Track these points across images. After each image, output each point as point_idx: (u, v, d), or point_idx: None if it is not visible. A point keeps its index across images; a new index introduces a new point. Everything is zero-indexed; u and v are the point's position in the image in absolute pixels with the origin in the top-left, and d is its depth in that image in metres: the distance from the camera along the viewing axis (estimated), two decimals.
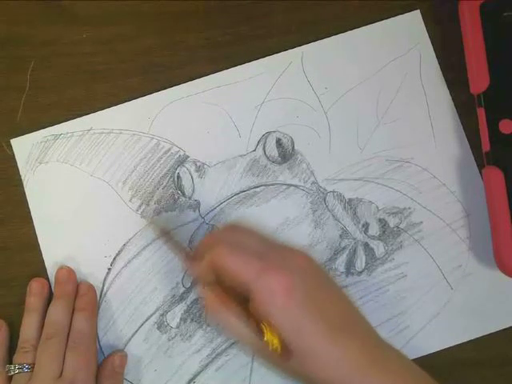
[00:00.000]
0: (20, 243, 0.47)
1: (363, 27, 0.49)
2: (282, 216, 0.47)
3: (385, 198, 0.47)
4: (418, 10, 0.49)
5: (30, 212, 0.47)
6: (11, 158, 0.47)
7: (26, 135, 0.48)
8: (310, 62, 0.48)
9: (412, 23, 0.49)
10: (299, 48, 0.48)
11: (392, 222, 0.47)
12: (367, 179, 0.47)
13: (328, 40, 0.48)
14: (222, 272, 0.37)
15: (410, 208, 0.47)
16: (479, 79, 0.45)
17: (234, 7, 0.49)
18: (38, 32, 0.49)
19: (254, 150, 0.47)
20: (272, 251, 0.37)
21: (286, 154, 0.47)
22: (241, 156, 0.47)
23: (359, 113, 0.48)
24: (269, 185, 0.47)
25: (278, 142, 0.47)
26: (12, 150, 0.47)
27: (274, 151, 0.47)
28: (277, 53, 0.48)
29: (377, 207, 0.47)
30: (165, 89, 0.48)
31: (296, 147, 0.47)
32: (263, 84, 0.48)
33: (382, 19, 0.49)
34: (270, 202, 0.47)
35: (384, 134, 0.48)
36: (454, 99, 0.48)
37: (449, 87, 0.48)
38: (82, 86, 0.48)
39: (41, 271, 0.46)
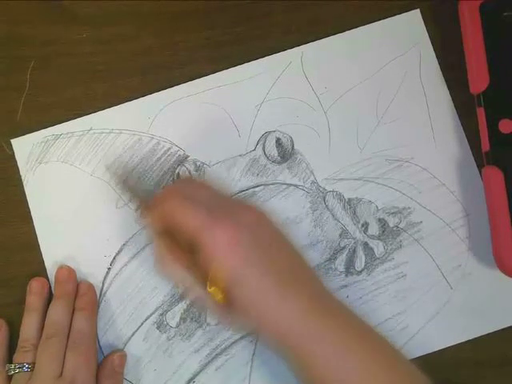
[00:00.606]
0: (20, 243, 0.47)
1: (363, 27, 0.49)
2: (282, 215, 0.47)
3: (384, 197, 0.47)
4: (418, 10, 0.49)
5: (29, 212, 0.47)
6: (11, 158, 0.47)
7: (27, 135, 0.48)
8: (310, 61, 0.48)
9: (412, 22, 0.49)
10: (299, 48, 0.48)
11: (391, 221, 0.47)
12: (367, 179, 0.47)
13: (327, 40, 0.48)
14: (172, 223, 0.37)
15: (409, 208, 0.47)
16: (479, 79, 0.45)
17: (234, 7, 0.49)
18: (37, 32, 0.49)
19: (254, 150, 0.47)
20: (222, 205, 0.38)
21: (285, 153, 0.47)
22: (240, 156, 0.47)
23: (359, 112, 0.48)
24: (268, 184, 0.47)
25: (278, 142, 0.47)
26: (12, 149, 0.47)
27: (273, 151, 0.47)
28: (277, 53, 0.48)
29: (376, 207, 0.47)
30: (165, 89, 0.48)
31: (296, 147, 0.48)
32: (263, 84, 0.48)
33: (382, 19, 0.49)
34: (270, 202, 0.47)
35: (384, 134, 0.48)
36: (453, 99, 0.48)
37: (449, 87, 0.48)
38: (82, 85, 0.48)
39: (41, 271, 0.46)
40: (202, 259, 0.36)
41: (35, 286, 0.45)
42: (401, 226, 0.47)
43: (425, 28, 0.49)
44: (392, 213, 0.47)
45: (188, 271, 0.38)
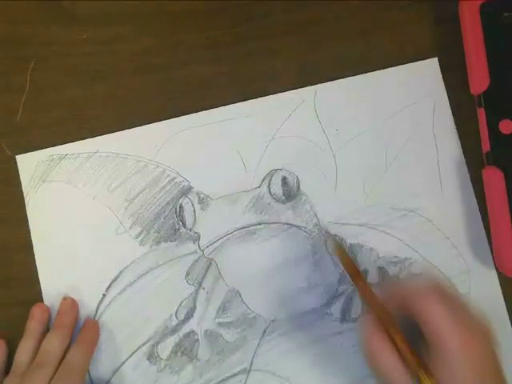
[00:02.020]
0: (20, 243, 0.47)
1: (379, 71, 0.48)
2: (282, 256, 0.46)
3: (386, 246, 0.46)
4: (436, 58, 0.48)
5: None
6: (11, 158, 0.47)
7: (32, 152, 0.47)
8: (323, 101, 0.48)
9: (429, 71, 0.48)
10: (313, 86, 0.48)
11: (391, 270, 0.46)
12: (370, 225, 0.47)
13: (342, 81, 0.48)
14: (422, 316, 0.35)
15: (410, 258, 0.46)
16: (479, 79, 0.45)
17: (234, 7, 0.49)
18: (38, 32, 0.49)
19: (259, 187, 0.47)
20: (476, 324, 0.36)
21: (290, 193, 0.47)
22: (245, 191, 0.47)
23: (368, 157, 0.47)
24: (271, 223, 0.47)
25: (284, 181, 0.47)
26: (12, 149, 0.47)
27: (278, 189, 0.47)
28: (276, 52, 0.48)
29: (377, 255, 0.46)
30: (165, 89, 0.48)
31: (301, 187, 0.47)
32: (273, 120, 0.48)
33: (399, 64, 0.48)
34: (271, 241, 0.47)
35: (391, 182, 0.47)
36: (453, 99, 0.48)
37: (449, 88, 0.48)
38: (82, 86, 0.48)
39: None
40: (437, 368, 0.34)
41: (36, 312, 0.45)
42: (400, 276, 0.46)
43: (441, 77, 0.48)
44: (393, 262, 0.46)
45: (403, 363, 0.35)
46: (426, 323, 0.35)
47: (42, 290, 0.46)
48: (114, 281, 0.46)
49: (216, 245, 0.47)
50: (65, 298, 0.45)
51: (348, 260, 0.42)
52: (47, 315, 0.45)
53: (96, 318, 0.46)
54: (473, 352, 0.34)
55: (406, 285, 0.39)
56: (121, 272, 0.46)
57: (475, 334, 0.35)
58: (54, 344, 0.43)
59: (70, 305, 0.45)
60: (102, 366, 0.46)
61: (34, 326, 0.44)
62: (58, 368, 0.42)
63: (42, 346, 0.43)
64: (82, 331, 0.45)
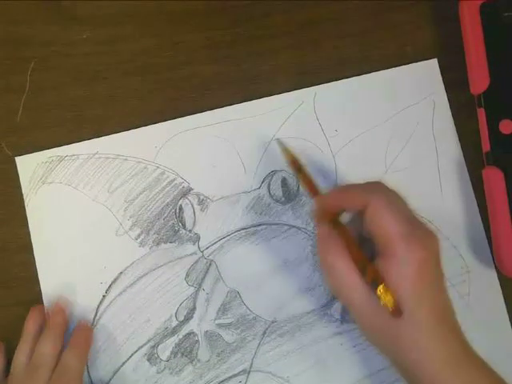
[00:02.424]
0: (20, 244, 0.47)
1: (379, 72, 0.48)
2: (282, 257, 0.46)
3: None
4: (436, 59, 0.48)
5: None
6: (11, 159, 0.47)
7: (31, 154, 0.47)
8: (323, 102, 0.48)
9: (428, 72, 0.48)
10: (312, 88, 0.48)
11: None
12: None
13: (342, 82, 0.48)
14: (370, 217, 0.37)
15: None
16: (479, 79, 0.45)
17: (234, 7, 0.49)
18: (38, 32, 0.49)
19: (259, 188, 0.47)
20: (418, 223, 0.37)
21: (290, 194, 0.47)
22: (245, 193, 0.47)
23: (367, 159, 0.47)
24: (271, 224, 0.47)
25: (284, 182, 0.47)
26: (12, 150, 0.47)
27: (278, 191, 0.47)
28: (276, 52, 0.48)
29: None
30: (165, 89, 0.48)
31: (301, 188, 0.47)
32: (273, 121, 0.48)
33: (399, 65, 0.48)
34: (271, 242, 0.47)
35: (391, 182, 0.46)
36: (453, 99, 0.48)
37: (449, 87, 0.48)
38: (82, 86, 0.48)
39: None
40: (385, 264, 0.36)
41: (32, 314, 0.45)
42: None
43: (441, 78, 0.48)
44: None
45: (356, 267, 0.37)
46: (376, 226, 0.36)
47: (42, 290, 0.46)
48: (113, 282, 0.46)
49: (216, 246, 0.47)
50: (57, 299, 0.46)
51: (303, 173, 0.43)
52: (44, 317, 0.45)
53: (96, 319, 0.46)
54: (415, 247, 0.35)
55: (356, 188, 0.40)
56: (121, 273, 0.46)
57: (416, 231, 0.36)
58: (48, 345, 0.43)
59: (62, 305, 0.45)
60: (101, 366, 0.46)
61: (30, 327, 0.45)
62: (54, 368, 0.43)
63: (37, 348, 0.44)
64: (74, 334, 0.45)
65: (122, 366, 0.46)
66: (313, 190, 0.42)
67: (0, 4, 0.49)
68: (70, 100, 0.48)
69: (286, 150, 0.44)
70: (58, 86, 0.48)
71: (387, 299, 0.35)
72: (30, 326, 0.45)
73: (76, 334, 0.45)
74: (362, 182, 0.46)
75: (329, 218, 0.39)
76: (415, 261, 0.35)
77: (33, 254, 0.46)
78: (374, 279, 0.36)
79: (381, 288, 0.35)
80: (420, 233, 0.36)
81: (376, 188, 0.38)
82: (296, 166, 0.43)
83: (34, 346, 0.44)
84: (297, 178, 0.43)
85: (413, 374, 0.36)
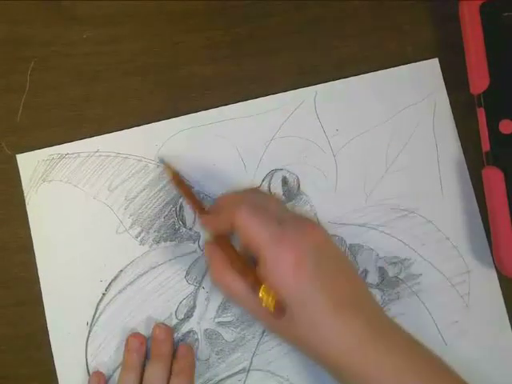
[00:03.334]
0: (20, 244, 0.47)
1: (379, 71, 0.48)
2: None
3: (386, 246, 0.46)
4: (437, 59, 0.48)
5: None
6: (11, 158, 0.47)
7: (32, 152, 0.47)
8: (323, 102, 0.48)
9: (429, 71, 0.48)
10: (313, 87, 0.48)
11: (391, 271, 0.46)
12: (370, 226, 0.47)
13: (342, 81, 0.48)
14: (239, 230, 0.38)
15: (410, 259, 0.46)
16: (479, 79, 0.45)
17: (234, 7, 0.49)
18: (37, 32, 0.49)
19: (259, 187, 0.47)
20: (289, 219, 0.38)
21: (290, 193, 0.47)
22: None
23: (368, 158, 0.47)
24: None
25: (284, 181, 0.47)
26: (12, 149, 0.47)
27: (278, 189, 0.47)
28: (276, 52, 0.48)
29: (377, 255, 0.46)
30: (165, 89, 0.48)
31: (301, 187, 0.47)
32: (273, 120, 0.48)
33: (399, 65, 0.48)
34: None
35: (391, 182, 0.47)
36: (453, 99, 0.48)
37: (448, 87, 0.48)
38: (82, 86, 0.48)
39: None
40: (262, 270, 0.37)
41: (133, 343, 0.44)
42: (400, 276, 0.46)
43: (442, 78, 0.48)
44: (392, 262, 0.46)
45: (240, 277, 0.38)
46: (245, 237, 0.38)
47: (42, 290, 0.46)
48: (113, 280, 0.46)
49: None
50: (158, 326, 0.45)
51: (184, 188, 0.44)
52: (145, 346, 0.45)
53: (96, 317, 0.46)
54: (285, 245, 0.36)
55: (223, 203, 0.42)
56: (121, 271, 0.46)
57: (286, 229, 0.37)
58: (157, 375, 0.43)
59: (166, 332, 0.45)
60: (101, 364, 0.46)
61: (133, 358, 0.44)
62: None
63: (146, 377, 0.43)
64: (177, 360, 0.44)
65: (121, 363, 0.45)
66: (195, 206, 0.44)
67: (0, 4, 0.49)
68: (70, 100, 0.48)
69: (167, 167, 0.45)
70: (58, 86, 0.48)
71: (268, 301, 0.36)
72: (133, 356, 0.44)
73: (181, 360, 0.44)
74: (361, 182, 0.47)
75: (215, 233, 0.41)
76: (289, 258, 0.36)
77: (33, 254, 0.46)
78: (253, 285, 0.37)
79: (261, 291, 0.36)
80: (291, 230, 0.37)
81: (240, 200, 0.40)
82: (176, 181, 0.45)
83: (138, 375, 0.43)
84: (179, 193, 0.46)
85: (320, 360, 0.37)
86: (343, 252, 0.44)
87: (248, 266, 0.38)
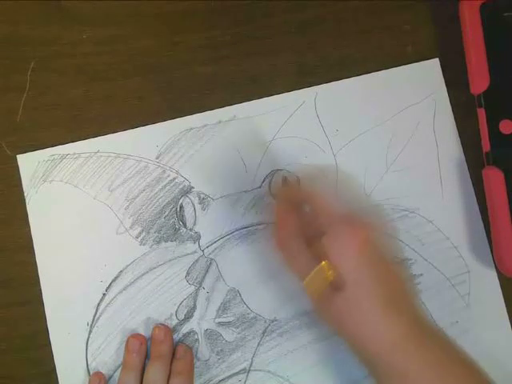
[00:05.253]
0: (20, 243, 0.47)
1: (379, 72, 0.48)
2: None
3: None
4: (437, 59, 0.48)
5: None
6: (11, 158, 0.47)
7: (33, 152, 0.47)
8: (324, 102, 0.48)
9: (430, 71, 0.48)
10: (314, 88, 0.48)
11: None
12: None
13: (343, 82, 0.48)
14: (314, 200, 0.40)
15: (411, 259, 0.46)
16: (479, 79, 0.45)
17: (234, 7, 0.49)
18: (37, 32, 0.49)
19: (260, 187, 0.47)
20: (356, 213, 0.41)
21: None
22: (245, 192, 0.47)
23: (368, 158, 0.47)
24: (271, 223, 0.47)
25: (285, 181, 0.47)
26: (12, 149, 0.47)
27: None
28: (276, 52, 0.48)
29: None
30: (165, 89, 0.48)
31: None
32: (274, 121, 0.48)
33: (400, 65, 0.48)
34: (271, 241, 0.46)
35: (391, 182, 0.47)
36: (453, 99, 0.48)
37: (449, 87, 0.48)
38: (82, 86, 0.48)
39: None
40: (327, 244, 0.38)
41: (133, 344, 0.45)
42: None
43: (442, 78, 0.48)
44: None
45: (306, 246, 0.39)
46: (317, 205, 0.40)
47: (42, 290, 0.46)
48: (114, 280, 0.46)
49: (216, 245, 0.47)
50: (157, 327, 0.45)
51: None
52: (144, 346, 0.45)
53: (96, 318, 0.46)
54: (354, 227, 0.38)
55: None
56: (121, 271, 0.46)
57: (356, 215, 0.40)
58: (157, 375, 0.43)
59: (165, 332, 0.45)
60: (102, 364, 0.46)
61: (134, 358, 0.44)
62: None
63: (146, 378, 0.43)
64: (175, 360, 0.44)
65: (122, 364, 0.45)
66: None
67: (0, 4, 0.49)
68: (70, 100, 0.48)
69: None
70: (58, 86, 0.48)
71: (329, 273, 0.37)
72: (133, 357, 0.44)
73: (180, 360, 0.44)
74: (361, 182, 0.47)
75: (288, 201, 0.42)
76: (356, 239, 0.37)
77: (33, 254, 0.46)
78: (318, 255, 0.37)
79: (324, 263, 0.37)
80: (359, 218, 0.40)
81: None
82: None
83: (138, 376, 0.44)
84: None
85: (357, 348, 0.38)
86: (389, 253, 0.43)
87: (314, 236, 0.39)
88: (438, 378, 0.36)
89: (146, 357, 0.45)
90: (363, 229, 0.39)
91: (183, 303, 0.46)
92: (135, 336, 0.45)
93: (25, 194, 0.47)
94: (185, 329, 0.46)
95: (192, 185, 0.47)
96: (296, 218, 0.40)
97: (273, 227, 0.44)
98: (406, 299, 0.39)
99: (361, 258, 0.37)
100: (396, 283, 0.39)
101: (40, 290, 0.46)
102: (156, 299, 0.46)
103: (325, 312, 0.40)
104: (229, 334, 0.46)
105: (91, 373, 0.45)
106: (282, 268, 0.46)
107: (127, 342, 0.45)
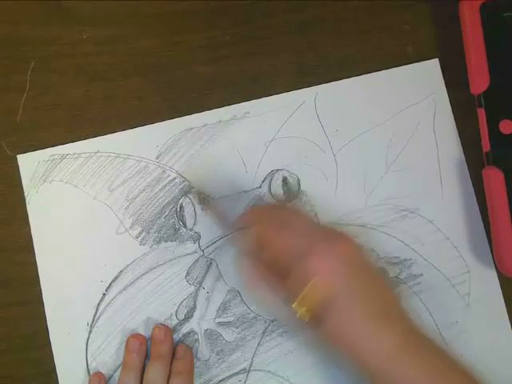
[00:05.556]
0: (20, 244, 0.47)
1: (379, 72, 0.48)
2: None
3: (387, 246, 0.46)
4: (437, 59, 0.48)
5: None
6: (11, 158, 0.47)
7: (33, 152, 0.47)
8: (324, 102, 0.48)
9: (430, 71, 0.48)
10: (314, 88, 0.48)
11: (392, 271, 0.46)
12: (371, 226, 0.47)
13: (343, 82, 0.48)
14: (267, 247, 0.38)
15: (411, 259, 0.46)
16: (479, 79, 0.46)
17: (234, 7, 0.49)
18: (37, 32, 0.49)
19: (260, 187, 0.47)
20: (318, 234, 0.39)
21: (291, 193, 0.47)
22: (245, 192, 0.47)
23: (368, 158, 0.47)
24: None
25: (284, 181, 0.47)
26: (12, 149, 0.47)
27: (279, 190, 0.47)
28: (276, 52, 0.48)
29: (378, 255, 0.46)
30: (165, 89, 0.48)
31: (302, 188, 0.47)
32: (274, 121, 0.48)
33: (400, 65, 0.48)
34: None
35: (391, 182, 0.47)
36: (453, 99, 0.48)
37: (449, 87, 0.48)
38: (82, 86, 0.48)
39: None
40: (294, 283, 0.37)
41: (133, 344, 0.45)
42: (401, 276, 0.46)
43: (442, 78, 0.48)
44: (393, 263, 0.46)
45: (274, 290, 0.39)
46: (271, 251, 0.38)
47: (42, 290, 0.46)
48: (114, 280, 0.46)
49: (216, 245, 0.47)
50: (157, 327, 0.45)
51: (216, 211, 0.45)
52: (144, 346, 0.45)
53: (96, 318, 0.46)
54: (316, 257, 0.37)
55: (248, 220, 0.42)
56: (121, 271, 0.46)
57: (316, 243, 0.37)
58: (157, 375, 0.43)
59: (165, 332, 0.45)
60: (102, 364, 0.46)
61: (134, 358, 0.44)
62: None
63: (146, 378, 0.43)
64: (175, 360, 0.44)
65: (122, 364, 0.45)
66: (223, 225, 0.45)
67: (0, 4, 0.49)
68: (70, 100, 0.48)
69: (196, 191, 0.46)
70: (58, 86, 0.48)
71: (302, 313, 0.36)
72: (133, 357, 0.44)
73: (180, 360, 0.44)
74: (361, 182, 0.47)
75: (244, 250, 0.41)
76: (320, 270, 0.36)
77: (33, 254, 0.46)
78: (286, 299, 0.37)
79: (295, 304, 0.36)
80: (320, 243, 0.38)
81: (265, 217, 0.41)
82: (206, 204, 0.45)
83: (138, 376, 0.44)
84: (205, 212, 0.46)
85: (353, 361, 0.37)
86: (375, 264, 0.44)
87: (279, 280, 0.38)
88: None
89: (146, 357, 0.45)
90: (346, 241, 0.38)
91: (183, 303, 0.46)
92: (135, 336, 0.45)
93: (25, 194, 0.47)
94: (185, 329, 0.46)
95: (192, 185, 0.47)
96: (259, 268, 0.40)
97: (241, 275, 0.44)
98: (397, 308, 0.38)
99: (348, 271, 0.37)
100: (386, 293, 0.38)
101: (40, 289, 0.46)
102: (156, 299, 0.46)
103: (318, 331, 0.39)
104: (229, 334, 0.46)
105: (91, 373, 0.45)
106: None
107: (127, 342, 0.45)
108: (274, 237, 0.38)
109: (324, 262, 0.37)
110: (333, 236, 0.39)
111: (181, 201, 0.47)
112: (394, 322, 0.37)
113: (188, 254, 0.47)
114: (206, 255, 0.46)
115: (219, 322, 0.46)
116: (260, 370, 0.46)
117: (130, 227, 0.47)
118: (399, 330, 0.37)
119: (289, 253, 0.37)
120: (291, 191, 0.47)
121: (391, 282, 0.44)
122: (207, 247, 0.47)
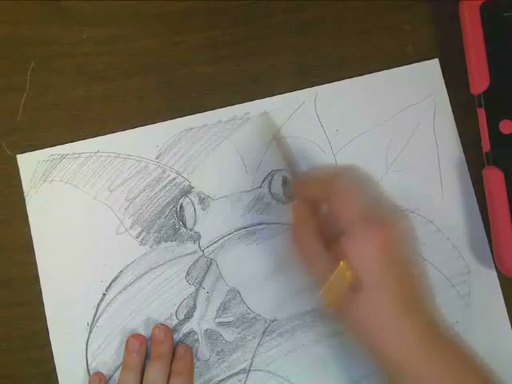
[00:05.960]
0: (20, 244, 0.47)
1: (379, 72, 0.48)
2: (282, 256, 0.46)
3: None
4: (437, 59, 0.48)
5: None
6: (11, 158, 0.47)
7: (33, 152, 0.47)
8: (324, 102, 0.48)
9: (430, 71, 0.48)
10: (314, 88, 0.48)
11: None
12: None
13: (343, 82, 0.48)
14: (333, 199, 0.38)
15: None
16: (479, 79, 0.45)
17: (234, 7, 0.49)
18: (37, 32, 0.49)
19: (260, 187, 0.47)
20: (381, 206, 0.39)
21: (291, 193, 0.47)
22: (245, 192, 0.47)
23: (368, 158, 0.47)
24: (271, 223, 0.47)
25: (284, 181, 0.47)
26: (12, 149, 0.47)
27: (279, 190, 0.47)
28: (276, 52, 0.48)
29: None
30: (165, 89, 0.48)
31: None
32: (275, 121, 0.47)
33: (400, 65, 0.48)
34: (271, 241, 0.47)
35: (391, 182, 0.47)
36: (453, 99, 0.48)
37: (449, 87, 0.48)
38: (82, 86, 0.48)
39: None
40: (347, 243, 0.37)
41: (133, 344, 0.45)
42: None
43: (442, 78, 0.48)
44: None
45: (323, 248, 0.38)
46: (336, 204, 0.38)
47: (42, 290, 0.46)
48: (114, 280, 0.46)
49: (216, 245, 0.47)
50: (157, 327, 0.45)
51: (286, 150, 0.45)
52: (145, 346, 0.45)
53: (96, 318, 0.46)
54: (377, 226, 0.37)
55: (320, 173, 0.42)
56: (121, 272, 0.46)
57: (379, 212, 0.38)
58: (157, 375, 0.43)
59: (165, 332, 0.45)
60: (102, 365, 0.46)
61: (134, 358, 0.44)
62: None
63: (146, 378, 0.43)
64: (175, 360, 0.44)
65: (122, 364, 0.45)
66: (291, 168, 0.44)
67: (0, 4, 0.49)
68: (70, 100, 0.48)
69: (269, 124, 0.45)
70: (58, 86, 0.48)
71: (347, 274, 0.36)
72: (134, 357, 0.44)
73: (180, 360, 0.44)
74: None
75: (305, 199, 0.41)
76: (378, 239, 0.36)
77: (33, 254, 0.46)
78: (337, 257, 0.37)
79: (342, 263, 0.36)
80: (380, 214, 0.38)
81: (340, 171, 0.40)
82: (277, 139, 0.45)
83: (139, 376, 0.44)
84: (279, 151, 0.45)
85: (373, 350, 0.37)
86: (409, 254, 0.42)
87: (333, 237, 0.38)
88: (449, 383, 0.36)
89: (146, 357, 0.45)
90: (384, 229, 0.37)
91: (183, 303, 0.46)
92: (135, 336, 0.45)
93: (25, 194, 0.47)
94: (185, 329, 0.46)
95: (192, 185, 0.47)
96: (314, 219, 0.39)
97: (290, 228, 0.42)
98: (424, 302, 0.38)
99: (381, 259, 0.36)
100: (415, 286, 0.38)
101: (40, 289, 0.46)
102: (156, 299, 0.46)
103: (343, 315, 0.39)
104: (229, 334, 0.46)
105: (91, 373, 0.45)
106: (281, 268, 0.46)
107: (127, 341, 0.45)
108: (346, 190, 0.38)
109: (356, 244, 0.36)
110: (373, 219, 0.38)
111: (181, 201, 0.47)
112: (418, 314, 0.37)
113: (188, 254, 0.47)
114: (206, 255, 0.47)
115: (219, 322, 0.46)
116: (260, 370, 0.46)
117: (130, 227, 0.47)
118: (421, 323, 0.36)
119: (354, 210, 0.37)
120: (291, 191, 0.47)
121: (422, 275, 0.44)
122: (207, 247, 0.47)
